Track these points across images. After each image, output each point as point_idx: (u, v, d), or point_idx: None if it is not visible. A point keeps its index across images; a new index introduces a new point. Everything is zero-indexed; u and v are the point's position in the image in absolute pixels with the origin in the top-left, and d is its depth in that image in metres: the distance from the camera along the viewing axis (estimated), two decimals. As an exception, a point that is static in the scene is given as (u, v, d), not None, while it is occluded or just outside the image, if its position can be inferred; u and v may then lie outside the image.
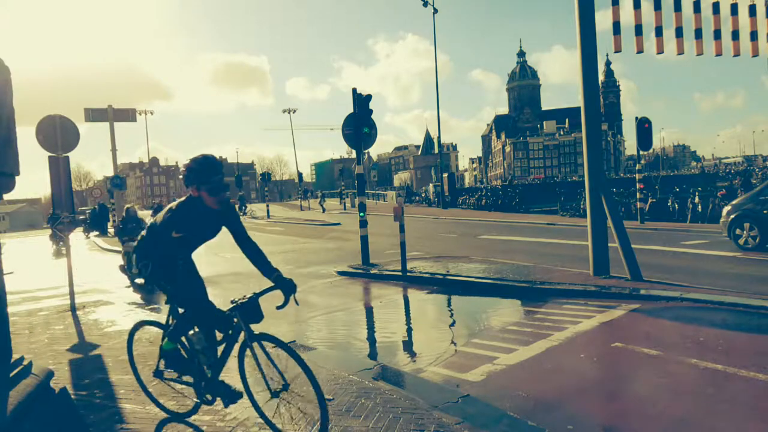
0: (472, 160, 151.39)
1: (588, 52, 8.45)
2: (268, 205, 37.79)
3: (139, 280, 10.48)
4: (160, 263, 3.42)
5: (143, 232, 3.51)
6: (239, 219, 3.64)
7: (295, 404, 3.35)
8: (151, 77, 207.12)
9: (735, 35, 8.98)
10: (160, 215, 3.39)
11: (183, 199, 3.37)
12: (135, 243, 10.54)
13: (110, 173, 28.29)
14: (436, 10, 33.24)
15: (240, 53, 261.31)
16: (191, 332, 3.55)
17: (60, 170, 7.99)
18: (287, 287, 3.37)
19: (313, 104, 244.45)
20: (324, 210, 36.38)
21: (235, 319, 3.32)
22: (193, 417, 3.72)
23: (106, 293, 9.90)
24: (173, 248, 3.37)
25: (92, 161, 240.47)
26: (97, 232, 27.96)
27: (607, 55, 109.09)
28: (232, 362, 3.57)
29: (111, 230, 26.32)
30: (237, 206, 36.99)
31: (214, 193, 3.25)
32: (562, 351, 5.16)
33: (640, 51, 8.49)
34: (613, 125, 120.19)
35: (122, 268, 11.12)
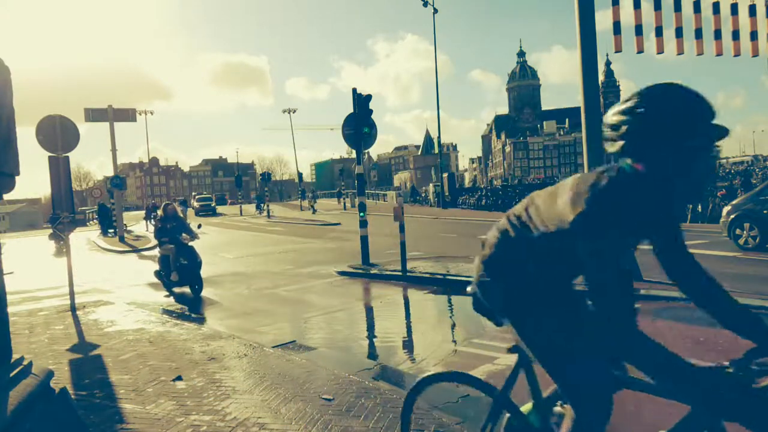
0: (472, 160, 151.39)
1: (588, 52, 8.45)
2: (268, 205, 37.85)
3: (181, 289, 9.56)
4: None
5: (495, 235, 2.04)
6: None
7: None
8: (150, 77, 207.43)
9: (735, 35, 9.00)
10: (529, 203, 1.94)
11: (609, 173, 1.65)
12: (173, 246, 9.66)
13: (110, 173, 28.30)
14: (436, 10, 33.27)
15: (240, 53, 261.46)
16: None
17: (60, 170, 7.99)
18: None
19: (313, 104, 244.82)
20: (314, 211, 35.94)
21: None
22: (193, 417, 3.72)
23: (106, 293, 9.91)
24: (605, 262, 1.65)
25: (92, 161, 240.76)
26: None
27: (607, 55, 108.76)
28: None
29: (111, 230, 26.35)
30: (255, 204, 36.85)
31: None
32: (562, 351, 5.15)
33: (640, 51, 8.50)
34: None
35: (158, 274, 9.98)
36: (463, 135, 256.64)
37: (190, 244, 9.52)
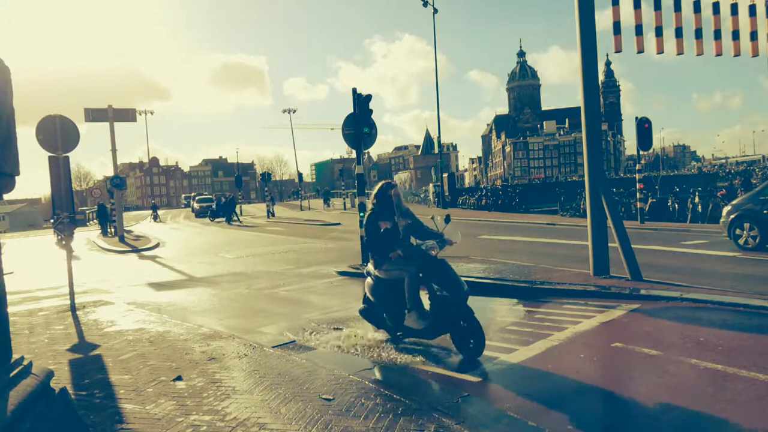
0: (472, 160, 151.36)
1: (588, 52, 8.45)
2: (268, 206, 37.86)
3: (435, 345, 5.44)
4: None
5: None
6: None
7: None
8: (149, 77, 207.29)
9: (735, 35, 8.98)
10: None
11: None
12: (412, 266, 5.04)
13: (110, 173, 28.33)
14: (436, 10, 33.22)
15: (238, 53, 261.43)
16: None
17: (60, 170, 7.98)
18: None
19: (311, 104, 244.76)
20: (272, 215, 35.31)
21: None
22: (193, 417, 3.72)
23: (106, 293, 9.90)
24: None
25: (92, 161, 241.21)
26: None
27: (607, 55, 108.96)
28: None
29: (111, 230, 26.36)
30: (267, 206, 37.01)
31: None
32: (562, 351, 5.16)
33: (640, 51, 8.49)
34: (613, 125, 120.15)
35: (368, 313, 5.82)
36: (463, 135, 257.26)
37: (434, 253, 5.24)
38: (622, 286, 7.66)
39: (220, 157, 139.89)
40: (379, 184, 5.64)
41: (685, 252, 11.66)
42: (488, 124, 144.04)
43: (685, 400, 3.96)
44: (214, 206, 38.46)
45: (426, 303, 5.27)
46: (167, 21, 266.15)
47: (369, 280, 5.70)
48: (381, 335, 5.73)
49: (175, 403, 3.99)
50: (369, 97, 11.27)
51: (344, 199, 44.00)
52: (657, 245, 12.53)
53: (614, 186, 25.47)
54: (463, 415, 3.67)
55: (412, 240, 5.49)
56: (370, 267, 5.61)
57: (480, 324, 4.96)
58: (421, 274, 5.20)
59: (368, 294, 5.71)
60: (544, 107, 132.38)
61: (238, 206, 35.66)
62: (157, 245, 20.38)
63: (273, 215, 35.00)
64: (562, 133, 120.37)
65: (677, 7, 8.56)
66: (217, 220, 33.23)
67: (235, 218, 32.25)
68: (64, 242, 8.33)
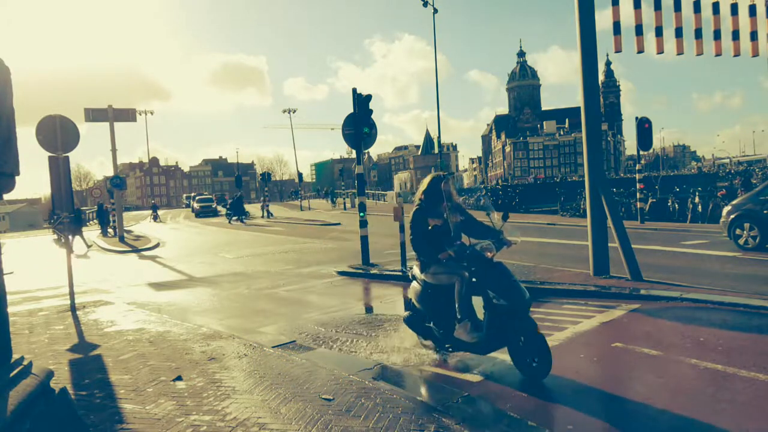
0: (471, 160, 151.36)
1: (588, 52, 8.45)
2: (263, 206, 37.72)
3: (490, 361, 4.91)
4: None
5: None
6: None
7: None
8: (149, 77, 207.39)
9: (735, 35, 8.98)
10: None
11: None
12: (462, 270, 4.41)
13: (110, 173, 28.32)
14: (436, 10, 33.22)
15: (238, 53, 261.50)
16: None
17: (60, 170, 7.98)
18: None
19: (311, 105, 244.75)
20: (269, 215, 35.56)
21: None
22: (193, 417, 3.72)
23: (106, 293, 9.90)
24: None
25: (92, 161, 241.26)
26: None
27: (607, 55, 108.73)
28: None
29: (111, 230, 26.35)
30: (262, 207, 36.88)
31: None
32: (562, 351, 5.15)
33: (640, 51, 8.49)
34: (613, 125, 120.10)
35: (412, 321, 5.22)
36: (462, 135, 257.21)
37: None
38: (622, 286, 7.66)
39: (220, 157, 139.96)
40: (429, 177, 5.03)
41: (685, 252, 11.66)
42: (488, 124, 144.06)
43: (685, 400, 3.96)
44: (222, 206, 38.32)
45: (480, 312, 4.63)
46: (167, 21, 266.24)
47: (414, 284, 5.13)
48: (427, 347, 5.17)
49: (175, 403, 3.99)
50: (369, 97, 11.27)
51: (344, 199, 43.98)
52: (657, 245, 12.53)
53: (614, 186, 25.47)
54: (463, 415, 3.67)
55: (464, 239, 4.82)
56: (416, 270, 5.07)
57: (545, 339, 4.35)
58: (474, 279, 4.57)
59: (413, 300, 5.12)
60: (544, 107, 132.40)
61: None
62: (157, 245, 20.38)
63: (270, 216, 34.91)
64: (562, 133, 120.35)
65: (677, 7, 8.56)
66: (233, 219, 33.04)
67: (236, 219, 32.77)
68: (63, 241, 8.32)
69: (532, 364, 4.34)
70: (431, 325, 4.97)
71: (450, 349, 4.91)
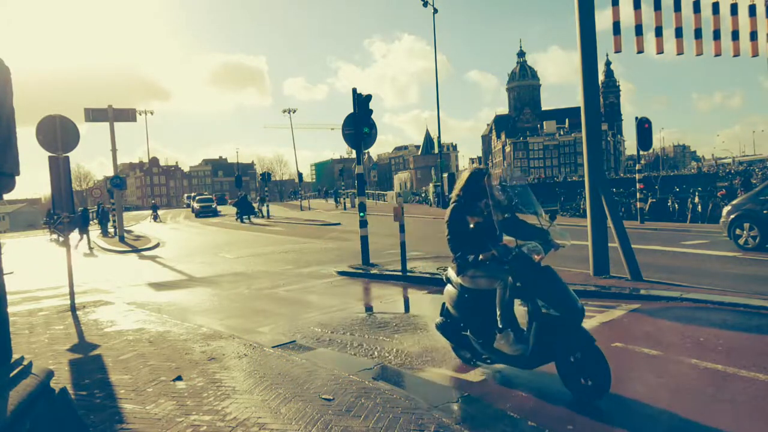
0: (471, 160, 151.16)
1: (588, 52, 8.45)
2: (268, 205, 37.76)
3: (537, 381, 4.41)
4: None
5: None
6: None
7: None
8: (149, 77, 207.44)
9: (735, 35, 8.98)
10: None
11: None
12: (507, 275, 4.08)
13: (110, 173, 28.34)
14: (436, 10, 33.15)
15: (238, 53, 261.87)
16: None
17: (60, 170, 7.98)
18: None
19: (311, 105, 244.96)
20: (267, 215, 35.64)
21: None
22: (193, 417, 3.72)
23: (106, 293, 9.90)
24: None
25: (92, 161, 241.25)
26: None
27: (607, 55, 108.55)
28: None
29: (111, 230, 26.36)
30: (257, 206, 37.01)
31: None
32: (562, 351, 5.15)
33: (640, 51, 8.49)
34: (613, 125, 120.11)
35: (445, 328, 4.93)
36: (462, 135, 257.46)
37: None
38: (622, 286, 7.66)
39: (220, 157, 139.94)
40: (468, 172, 4.61)
41: (685, 252, 11.66)
42: (488, 124, 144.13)
43: (685, 400, 3.96)
44: (234, 206, 38.11)
45: (522, 320, 4.21)
46: (167, 21, 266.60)
47: (449, 288, 4.71)
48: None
49: (175, 403, 3.99)
50: (369, 97, 11.27)
51: (344, 199, 43.99)
52: (657, 245, 12.53)
53: (614, 186, 25.50)
54: (463, 415, 3.67)
55: (506, 240, 4.41)
56: (451, 273, 4.65)
57: (603, 355, 3.81)
58: (518, 284, 4.11)
59: (448, 305, 4.73)
60: (544, 107, 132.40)
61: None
62: (157, 245, 20.39)
63: (269, 216, 34.89)
64: (562, 133, 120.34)
65: (677, 7, 8.56)
66: (244, 218, 33.30)
67: (246, 218, 33.20)
68: (63, 240, 8.33)
69: (587, 383, 3.85)
70: (468, 333, 4.55)
71: (488, 361, 4.51)
